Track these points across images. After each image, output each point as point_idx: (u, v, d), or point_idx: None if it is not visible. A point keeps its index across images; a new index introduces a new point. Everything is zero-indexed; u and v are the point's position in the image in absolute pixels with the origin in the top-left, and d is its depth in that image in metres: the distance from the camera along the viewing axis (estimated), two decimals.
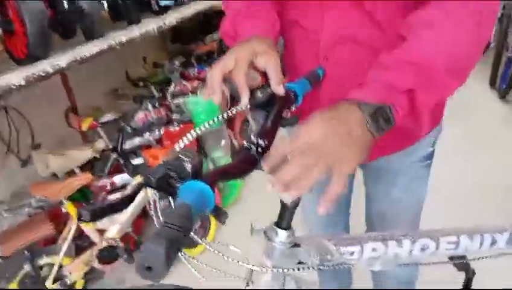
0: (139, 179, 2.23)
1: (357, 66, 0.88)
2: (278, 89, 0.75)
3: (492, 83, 4.25)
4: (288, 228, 0.70)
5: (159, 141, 2.47)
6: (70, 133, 2.74)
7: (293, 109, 0.77)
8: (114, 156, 2.50)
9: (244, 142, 0.64)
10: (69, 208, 2.09)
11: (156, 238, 0.42)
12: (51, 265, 2.05)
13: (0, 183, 2.34)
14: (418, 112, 0.69)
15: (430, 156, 1.10)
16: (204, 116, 2.52)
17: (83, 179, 2.16)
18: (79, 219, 1.88)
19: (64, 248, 2.03)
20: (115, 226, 2.14)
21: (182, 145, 0.66)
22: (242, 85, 0.73)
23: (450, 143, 2.47)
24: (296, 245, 0.71)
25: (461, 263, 0.94)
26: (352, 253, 0.73)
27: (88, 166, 2.62)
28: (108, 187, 2.36)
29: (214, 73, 0.76)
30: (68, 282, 2.05)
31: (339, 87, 0.92)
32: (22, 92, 2.53)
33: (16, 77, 1.41)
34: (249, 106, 0.72)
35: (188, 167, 0.53)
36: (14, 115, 2.41)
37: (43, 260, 2.02)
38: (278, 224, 0.70)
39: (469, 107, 3.60)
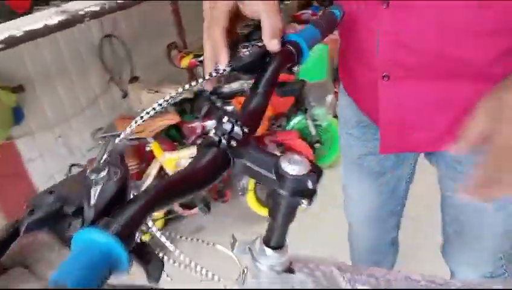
0: None
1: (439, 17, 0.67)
2: (271, 43, 0.54)
3: None
4: (279, 246, 0.53)
5: None
6: (179, 71, 2.77)
7: (296, 70, 0.57)
8: (213, 98, 2.47)
9: (211, 132, 0.46)
10: (154, 147, 2.13)
11: None
12: None
13: (102, 111, 2.49)
14: None
15: None
16: (311, 65, 2.33)
17: (169, 119, 2.17)
18: None
19: (145, 184, 2.09)
20: None
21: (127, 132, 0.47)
22: (218, 42, 0.55)
23: None
24: (290, 271, 0.54)
25: None
26: None
27: (188, 105, 2.65)
28: (199, 131, 2.35)
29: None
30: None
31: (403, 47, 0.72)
32: (130, 25, 2.62)
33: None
34: (227, 70, 0.54)
35: (93, 195, 0.33)
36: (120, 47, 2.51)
37: None
38: (265, 240, 0.53)
39: None
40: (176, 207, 2.19)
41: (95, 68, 2.42)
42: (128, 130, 0.47)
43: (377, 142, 0.88)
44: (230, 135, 0.46)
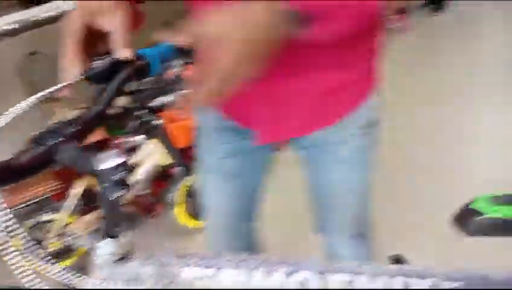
0: (154, 142, 2.23)
1: None
2: (119, 53, 0.66)
3: None
4: (115, 236, 0.61)
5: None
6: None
7: (146, 81, 0.69)
8: (141, 112, 2.53)
9: (37, 133, 0.55)
10: None
11: None
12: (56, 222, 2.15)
13: (24, 129, 2.50)
14: None
15: (374, 123, 1.02)
16: None
17: (96, 135, 2.21)
18: None
19: (68, 205, 2.11)
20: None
21: None
22: (71, 54, 0.65)
23: None
24: (127, 258, 0.62)
25: None
26: (201, 278, 0.62)
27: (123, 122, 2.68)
28: (127, 146, 2.40)
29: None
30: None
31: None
32: (55, 40, 2.65)
33: None
34: (79, 78, 0.64)
35: None
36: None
37: (47, 216, 2.11)
38: (104, 233, 0.62)
39: None
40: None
41: (18, 86, 2.44)
42: None
43: (242, 142, 1.02)
44: (60, 132, 0.54)
